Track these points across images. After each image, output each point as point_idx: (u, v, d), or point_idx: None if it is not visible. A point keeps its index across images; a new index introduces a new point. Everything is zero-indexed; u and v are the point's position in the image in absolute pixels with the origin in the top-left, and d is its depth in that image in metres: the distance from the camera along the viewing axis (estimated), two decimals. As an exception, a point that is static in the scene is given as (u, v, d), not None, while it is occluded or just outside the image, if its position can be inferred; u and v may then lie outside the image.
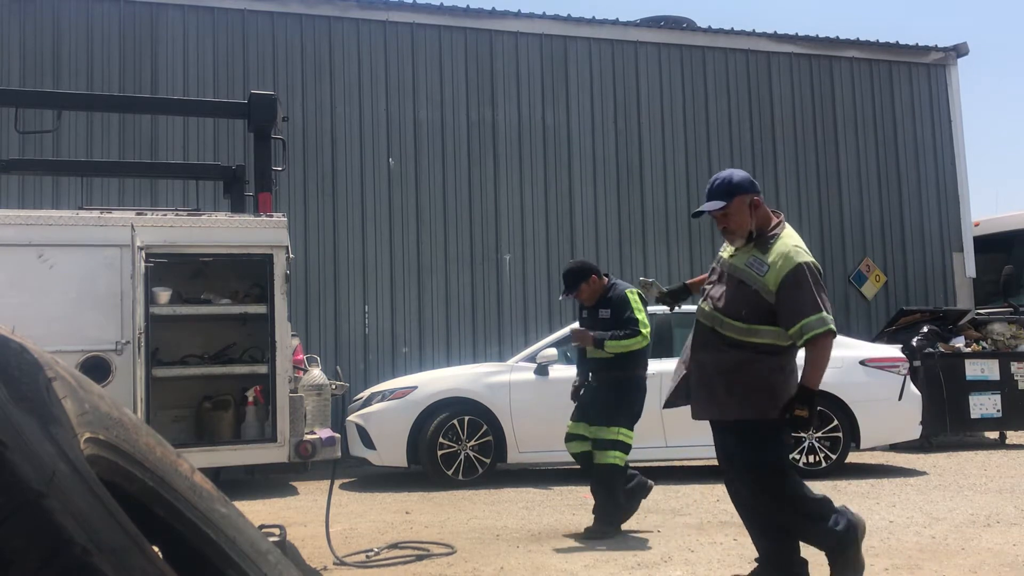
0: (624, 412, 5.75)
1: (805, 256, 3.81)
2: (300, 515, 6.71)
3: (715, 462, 4.07)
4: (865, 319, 12.81)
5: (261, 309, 5.01)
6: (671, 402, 4.20)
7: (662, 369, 8.01)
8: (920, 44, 13.72)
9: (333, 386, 5.24)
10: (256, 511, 6.57)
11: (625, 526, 5.76)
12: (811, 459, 8.30)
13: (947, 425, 10.21)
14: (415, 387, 8.47)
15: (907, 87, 13.71)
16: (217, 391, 5.21)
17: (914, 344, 10.37)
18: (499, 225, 11.56)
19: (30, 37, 10.39)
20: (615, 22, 12.46)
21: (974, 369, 10.41)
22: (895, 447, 9.89)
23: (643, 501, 5.95)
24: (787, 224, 3.99)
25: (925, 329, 10.81)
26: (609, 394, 5.76)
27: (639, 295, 5.76)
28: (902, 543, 5.22)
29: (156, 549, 1.40)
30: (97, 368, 4.69)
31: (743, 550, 4.86)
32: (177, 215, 5.07)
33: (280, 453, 4.87)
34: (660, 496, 7.26)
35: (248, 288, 5.27)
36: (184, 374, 5.10)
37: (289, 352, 4.98)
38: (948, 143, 13.75)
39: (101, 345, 4.79)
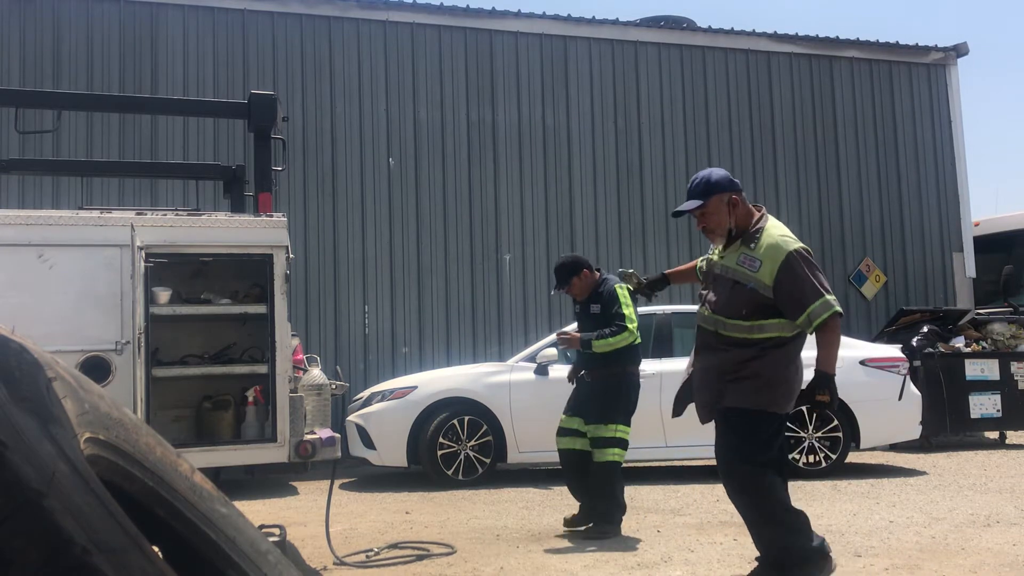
0: (620, 408, 5.75)
1: (793, 243, 3.83)
2: (300, 515, 6.71)
3: (715, 462, 4.07)
4: (865, 319, 12.81)
5: (261, 309, 5.00)
6: (678, 410, 4.22)
7: (662, 369, 8.06)
8: (920, 44, 13.73)
9: (333, 386, 5.24)
10: (256, 511, 6.57)
11: (625, 526, 5.76)
12: (811, 459, 8.29)
13: (947, 425, 10.21)
14: (415, 387, 8.47)
15: (907, 87, 13.71)
16: (217, 391, 5.20)
17: (914, 344, 10.37)
18: (499, 225, 11.56)
19: (30, 37, 10.39)
20: (615, 22, 12.46)
21: (974, 369, 10.41)
22: (895, 447, 9.89)
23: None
24: (769, 216, 4.01)
25: (925, 329, 10.81)
26: (604, 391, 5.74)
27: (629, 290, 5.75)
28: (902, 543, 5.23)
29: (156, 549, 1.40)
30: (97, 368, 4.68)
31: (743, 550, 4.86)
32: (177, 215, 5.06)
33: (280, 453, 4.86)
34: (660, 496, 7.26)
35: (248, 288, 5.26)
36: (184, 374, 5.10)
37: (289, 352, 4.97)
38: (948, 143, 13.76)
39: (101, 345, 4.78)
